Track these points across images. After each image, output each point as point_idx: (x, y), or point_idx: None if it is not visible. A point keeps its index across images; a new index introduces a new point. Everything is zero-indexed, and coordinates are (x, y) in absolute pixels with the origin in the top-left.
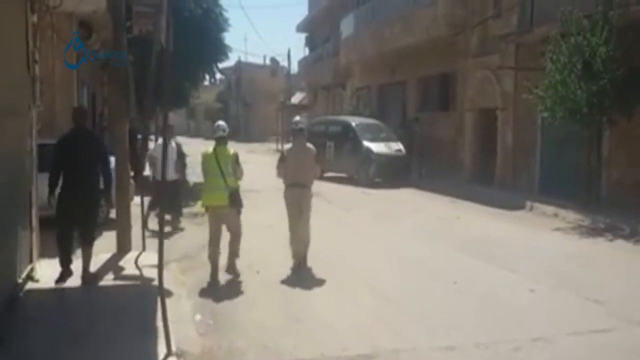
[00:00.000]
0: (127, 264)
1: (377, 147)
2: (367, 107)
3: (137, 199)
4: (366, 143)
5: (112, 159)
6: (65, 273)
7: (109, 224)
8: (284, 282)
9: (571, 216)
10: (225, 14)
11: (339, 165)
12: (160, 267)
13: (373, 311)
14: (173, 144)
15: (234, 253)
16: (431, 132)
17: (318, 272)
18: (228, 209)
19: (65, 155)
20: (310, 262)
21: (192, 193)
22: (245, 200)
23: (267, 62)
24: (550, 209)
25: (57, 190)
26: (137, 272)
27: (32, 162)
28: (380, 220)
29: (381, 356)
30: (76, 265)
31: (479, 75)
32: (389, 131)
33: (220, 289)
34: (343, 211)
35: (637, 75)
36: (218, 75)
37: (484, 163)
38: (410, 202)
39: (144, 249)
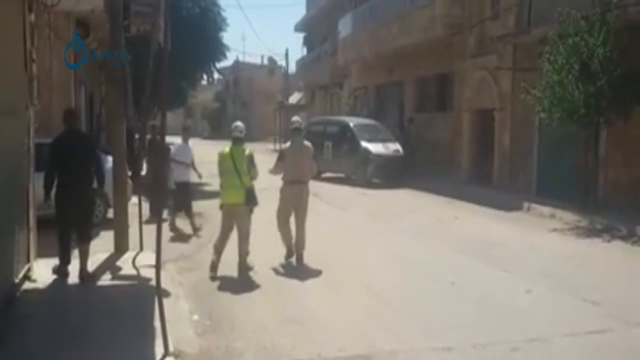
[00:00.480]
0: (125, 264)
1: (374, 147)
2: (365, 107)
3: (134, 199)
4: (364, 143)
5: (110, 159)
6: (64, 268)
7: (106, 224)
8: (281, 282)
9: (568, 217)
10: (223, 14)
11: (336, 166)
12: (157, 267)
13: (370, 311)
14: (190, 145)
15: (243, 254)
16: (428, 132)
17: (316, 272)
18: (243, 207)
19: (59, 157)
20: (307, 262)
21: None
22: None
23: (265, 61)
24: (547, 210)
25: (53, 192)
26: (134, 272)
27: (30, 162)
28: (378, 220)
29: (378, 356)
30: (74, 266)
31: (477, 76)
32: (386, 131)
33: (218, 289)
34: (341, 211)
35: (634, 77)
36: (216, 75)
37: (481, 164)
38: (407, 202)
39: (141, 249)
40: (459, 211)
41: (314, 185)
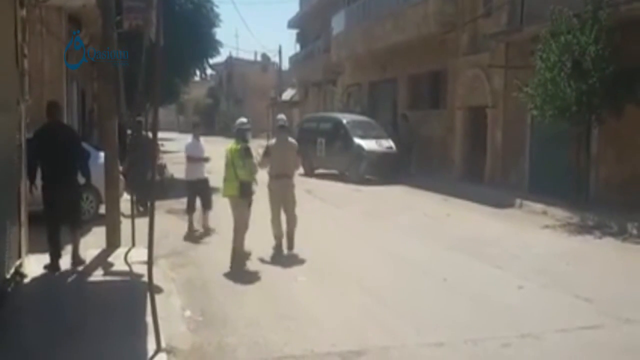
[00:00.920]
0: (117, 260)
1: (368, 144)
2: (358, 104)
3: (126, 195)
4: (357, 140)
5: (101, 155)
6: (55, 262)
7: (98, 220)
8: (274, 278)
9: (560, 214)
10: (216, 9)
11: (330, 162)
12: (150, 263)
13: (363, 308)
14: (202, 142)
15: (236, 245)
16: (422, 129)
17: (309, 269)
18: (238, 199)
19: (41, 148)
20: (300, 259)
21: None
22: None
23: (258, 58)
24: (539, 207)
25: (38, 182)
26: (126, 268)
27: (21, 157)
28: (371, 217)
29: (370, 352)
30: (65, 260)
31: (470, 73)
32: (379, 128)
33: (210, 285)
34: (334, 208)
35: (626, 74)
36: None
37: (474, 161)
38: (401, 199)
39: (133, 244)
40: (452, 208)
41: (307, 182)
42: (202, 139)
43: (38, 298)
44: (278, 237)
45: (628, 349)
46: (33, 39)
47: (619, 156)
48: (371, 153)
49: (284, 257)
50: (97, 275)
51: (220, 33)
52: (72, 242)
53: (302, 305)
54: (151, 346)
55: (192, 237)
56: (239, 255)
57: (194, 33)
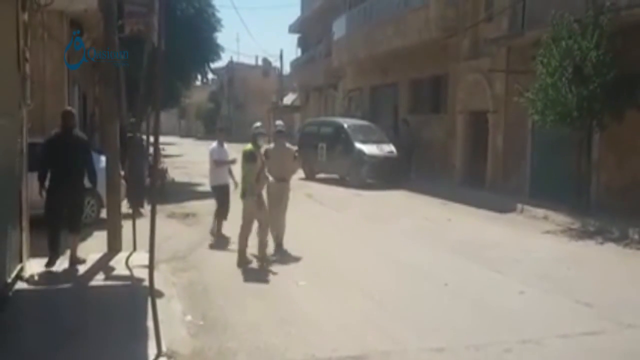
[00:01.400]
0: (118, 264)
1: (369, 148)
2: (359, 108)
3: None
4: (358, 144)
5: (103, 159)
6: (54, 258)
7: (99, 224)
8: (275, 283)
9: (561, 219)
10: (218, 14)
11: (330, 167)
12: (151, 267)
13: (364, 312)
14: (225, 147)
15: (239, 242)
16: (422, 134)
17: (309, 273)
18: (243, 200)
19: (54, 155)
20: (301, 263)
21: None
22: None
23: (260, 62)
24: (540, 212)
25: (47, 184)
26: (127, 273)
27: (23, 162)
28: (372, 221)
29: (371, 357)
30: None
31: (471, 78)
32: (380, 133)
33: (211, 290)
34: (335, 212)
35: (627, 80)
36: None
37: (475, 165)
38: (401, 204)
39: (134, 249)
40: (453, 213)
41: (308, 186)
42: (226, 145)
43: (39, 302)
44: (278, 239)
45: (629, 354)
46: (35, 43)
47: (620, 161)
48: (372, 157)
49: (284, 261)
50: (98, 280)
51: (221, 37)
52: (71, 245)
53: (303, 310)
54: (152, 350)
55: (222, 243)
56: (240, 256)
57: (195, 37)
